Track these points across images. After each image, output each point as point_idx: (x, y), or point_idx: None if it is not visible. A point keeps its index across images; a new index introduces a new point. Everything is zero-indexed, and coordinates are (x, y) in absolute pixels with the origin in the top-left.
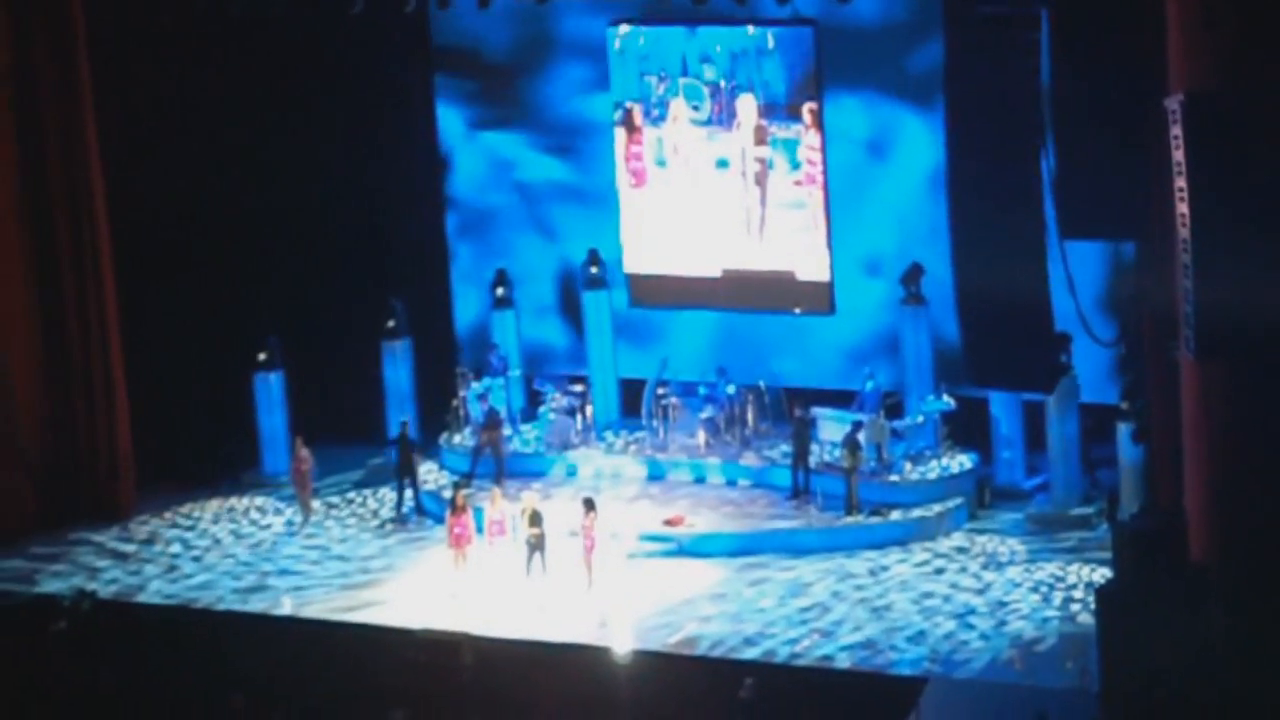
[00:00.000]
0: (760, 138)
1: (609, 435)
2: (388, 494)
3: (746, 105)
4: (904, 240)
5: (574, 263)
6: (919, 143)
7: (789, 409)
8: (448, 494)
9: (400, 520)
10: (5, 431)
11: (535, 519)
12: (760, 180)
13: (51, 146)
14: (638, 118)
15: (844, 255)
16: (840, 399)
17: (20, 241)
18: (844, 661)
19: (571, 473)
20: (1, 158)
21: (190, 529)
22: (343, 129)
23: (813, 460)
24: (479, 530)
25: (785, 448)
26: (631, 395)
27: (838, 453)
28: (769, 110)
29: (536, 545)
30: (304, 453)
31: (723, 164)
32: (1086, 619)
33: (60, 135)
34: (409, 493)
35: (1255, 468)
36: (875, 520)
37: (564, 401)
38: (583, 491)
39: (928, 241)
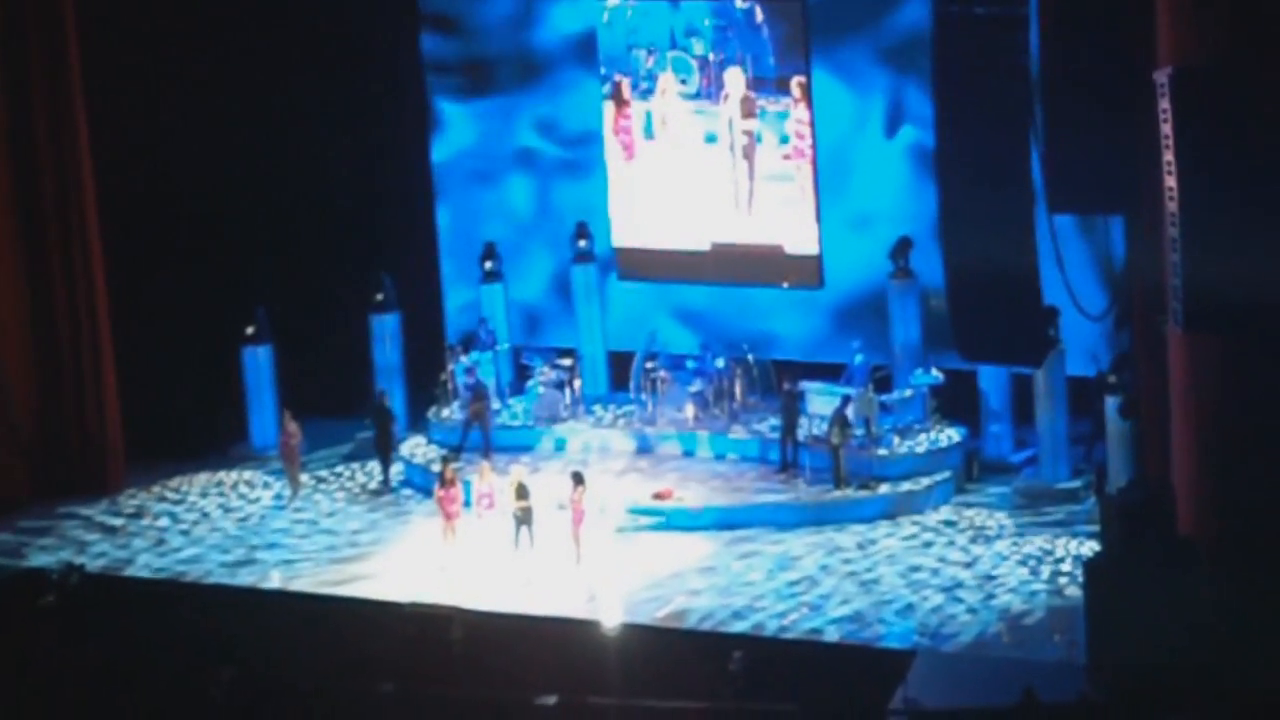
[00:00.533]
0: (748, 110)
1: (597, 409)
2: (375, 468)
3: (734, 77)
4: (893, 212)
5: (564, 234)
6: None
7: (777, 382)
8: (437, 468)
9: (383, 490)
10: None
11: (522, 492)
12: (748, 154)
13: (39, 123)
14: (626, 91)
15: (832, 225)
16: (830, 372)
17: (7, 217)
18: (832, 635)
19: (560, 446)
20: None
21: (179, 503)
22: (330, 102)
23: (801, 434)
24: (467, 504)
25: (774, 421)
26: (620, 369)
27: (826, 427)
28: (757, 84)
29: (524, 519)
30: (292, 427)
31: (711, 139)
32: (1074, 592)
33: (48, 107)
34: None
35: (1243, 440)
36: (864, 494)
37: (552, 375)
38: (571, 465)
39: (916, 215)
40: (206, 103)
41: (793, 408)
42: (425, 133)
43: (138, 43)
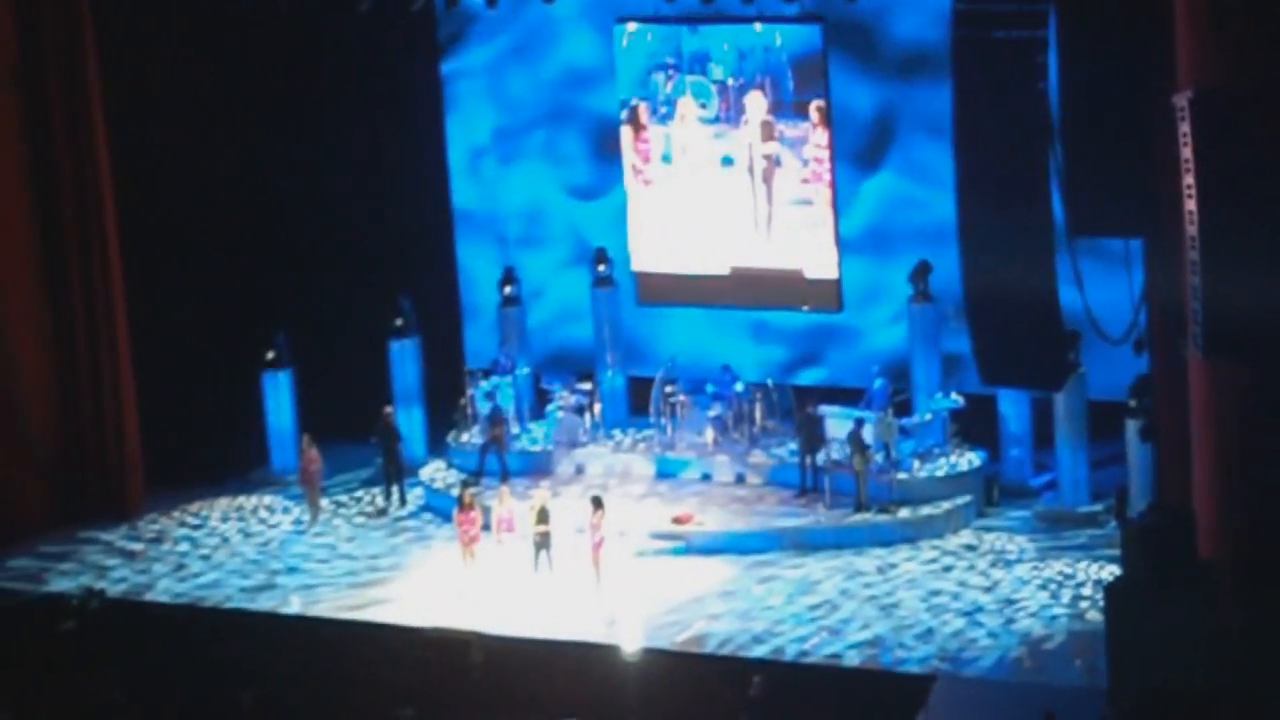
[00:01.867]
0: (768, 134)
1: (617, 433)
2: (396, 492)
3: (755, 101)
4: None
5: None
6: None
7: (797, 407)
8: (456, 492)
9: (383, 511)
10: (14, 430)
11: (543, 516)
12: (768, 178)
13: (60, 145)
14: (644, 116)
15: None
16: (851, 397)
17: (29, 240)
18: (852, 659)
19: (580, 470)
20: (10, 156)
21: (198, 527)
22: (350, 126)
23: (820, 458)
24: (486, 528)
25: (793, 446)
26: (639, 394)
27: (844, 450)
28: (776, 108)
29: (543, 543)
30: (313, 452)
31: (728, 161)
32: (1095, 616)
33: (69, 135)
34: (395, 486)
35: (1264, 464)
36: (884, 518)
37: (572, 400)
38: (591, 489)
39: (936, 238)
40: (228, 127)
41: (811, 431)
42: (445, 158)
43: (158, 67)
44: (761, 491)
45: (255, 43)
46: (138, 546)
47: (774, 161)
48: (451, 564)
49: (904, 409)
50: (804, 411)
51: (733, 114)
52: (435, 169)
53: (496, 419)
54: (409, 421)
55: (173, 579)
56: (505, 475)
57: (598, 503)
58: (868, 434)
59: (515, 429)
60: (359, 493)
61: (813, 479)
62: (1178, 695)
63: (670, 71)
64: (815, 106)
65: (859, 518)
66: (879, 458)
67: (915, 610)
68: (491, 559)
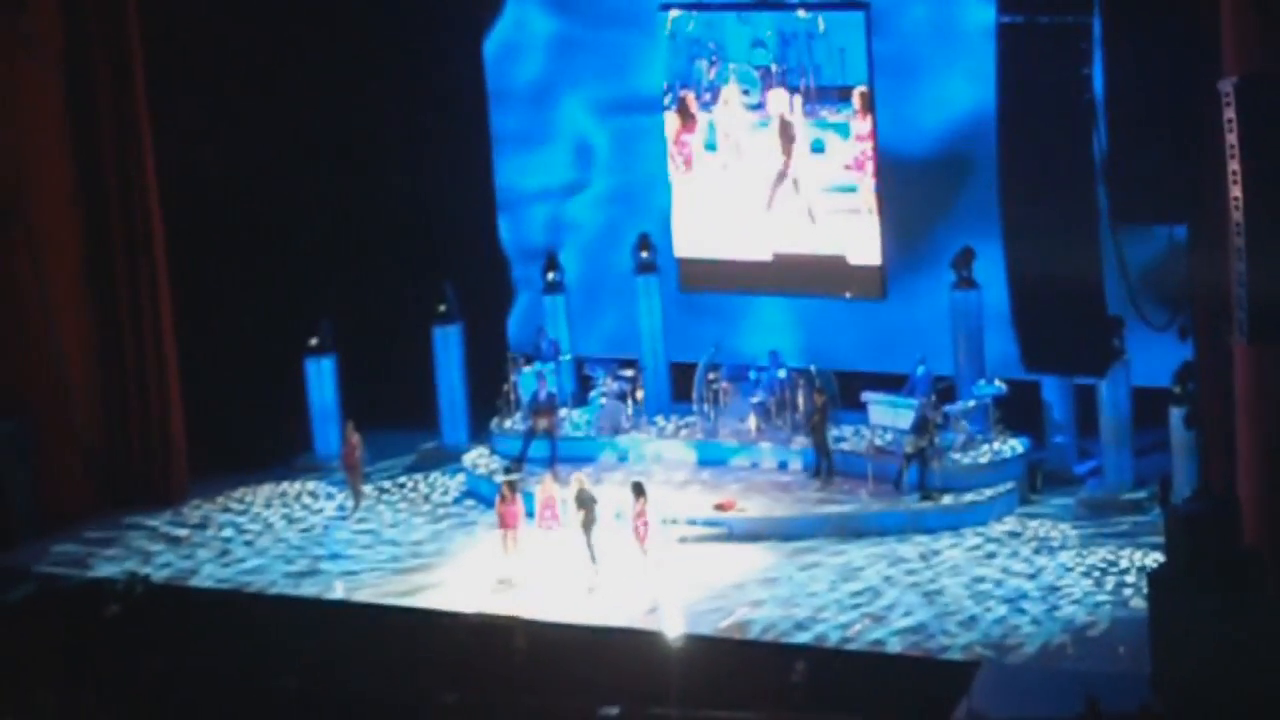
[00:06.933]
0: (787, 134)
1: (659, 420)
2: (439, 478)
3: (778, 99)
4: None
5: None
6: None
7: (815, 390)
8: (499, 478)
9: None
10: (60, 417)
11: (583, 500)
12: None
13: (105, 134)
14: (691, 104)
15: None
16: (894, 383)
17: (74, 229)
18: (895, 646)
19: (623, 457)
20: (56, 146)
21: (242, 513)
22: (394, 112)
23: (861, 444)
24: (530, 514)
25: (836, 432)
26: (683, 379)
27: (906, 436)
28: (820, 94)
29: (586, 527)
30: (355, 438)
31: (763, 124)
32: (1139, 604)
33: (114, 122)
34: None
35: None
36: (927, 505)
37: (614, 386)
38: (633, 476)
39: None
40: (271, 116)
41: (823, 413)
42: (488, 144)
43: (201, 57)
44: (803, 477)
45: (298, 30)
46: (182, 532)
47: (779, 177)
48: (493, 551)
49: (947, 395)
50: (816, 393)
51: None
52: (478, 153)
53: (549, 406)
54: (452, 406)
55: (217, 565)
56: (554, 461)
57: (639, 489)
58: (935, 416)
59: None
60: (401, 478)
61: (827, 462)
62: (1221, 682)
63: (713, 58)
64: (858, 93)
65: (918, 502)
66: (936, 442)
67: (958, 597)
68: (535, 546)
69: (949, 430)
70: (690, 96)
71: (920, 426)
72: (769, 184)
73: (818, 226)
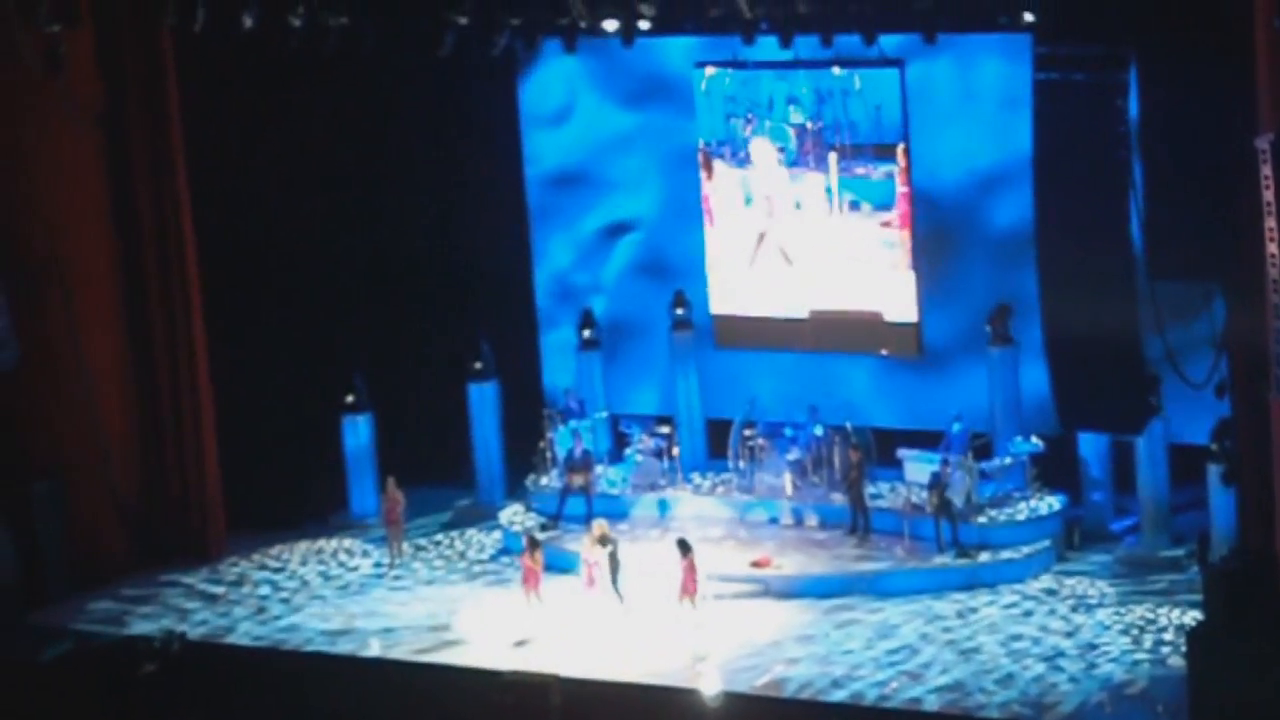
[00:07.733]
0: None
1: (695, 476)
2: (475, 535)
3: (761, 148)
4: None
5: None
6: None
7: (852, 446)
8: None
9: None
10: (97, 475)
11: (605, 542)
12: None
13: (141, 189)
14: (715, 160)
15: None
16: (930, 440)
17: (111, 285)
18: (932, 704)
19: (663, 511)
20: (92, 201)
21: (279, 571)
22: (430, 168)
23: (898, 501)
24: (565, 570)
25: (871, 489)
26: (718, 436)
27: (924, 494)
28: (856, 151)
29: (611, 569)
30: (397, 494)
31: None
32: (1177, 662)
33: (150, 179)
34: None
35: None
36: (963, 562)
37: (650, 443)
38: (670, 533)
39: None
40: (307, 170)
41: (859, 469)
42: (524, 199)
43: (238, 110)
44: (839, 535)
45: (335, 84)
46: (219, 589)
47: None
48: (519, 610)
49: (983, 452)
50: (852, 449)
51: (809, 158)
52: (513, 210)
53: (584, 463)
54: (488, 463)
55: (253, 622)
56: (590, 518)
57: (685, 547)
58: (954, 478)
59: (600, 470)
60: (438, 536)
61: (864, 519)
62: None
63: (749, 116)
64: (900, 149)
65: (939, 560)
66: (958, 501)
67: (995, 655)
68: (578, 602)
69: (956, 471)
70: (710, 152)
71: (934, 484)
72: (752, 244)
73: (852, 283)
